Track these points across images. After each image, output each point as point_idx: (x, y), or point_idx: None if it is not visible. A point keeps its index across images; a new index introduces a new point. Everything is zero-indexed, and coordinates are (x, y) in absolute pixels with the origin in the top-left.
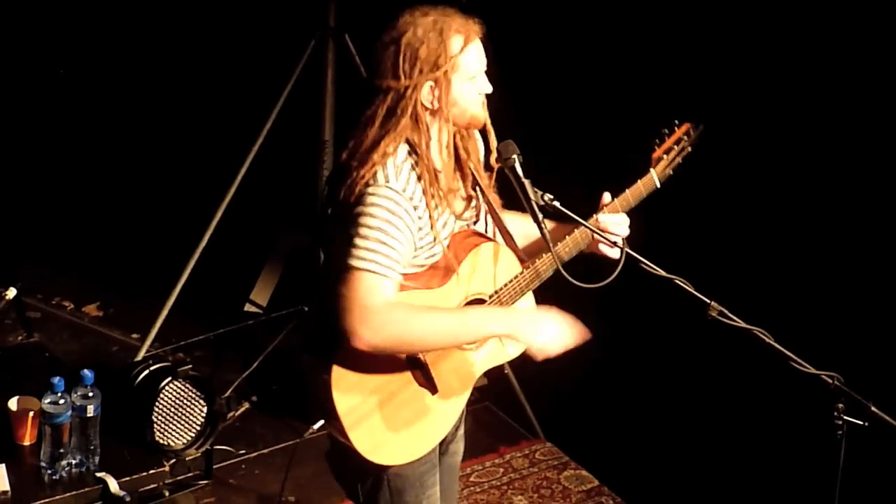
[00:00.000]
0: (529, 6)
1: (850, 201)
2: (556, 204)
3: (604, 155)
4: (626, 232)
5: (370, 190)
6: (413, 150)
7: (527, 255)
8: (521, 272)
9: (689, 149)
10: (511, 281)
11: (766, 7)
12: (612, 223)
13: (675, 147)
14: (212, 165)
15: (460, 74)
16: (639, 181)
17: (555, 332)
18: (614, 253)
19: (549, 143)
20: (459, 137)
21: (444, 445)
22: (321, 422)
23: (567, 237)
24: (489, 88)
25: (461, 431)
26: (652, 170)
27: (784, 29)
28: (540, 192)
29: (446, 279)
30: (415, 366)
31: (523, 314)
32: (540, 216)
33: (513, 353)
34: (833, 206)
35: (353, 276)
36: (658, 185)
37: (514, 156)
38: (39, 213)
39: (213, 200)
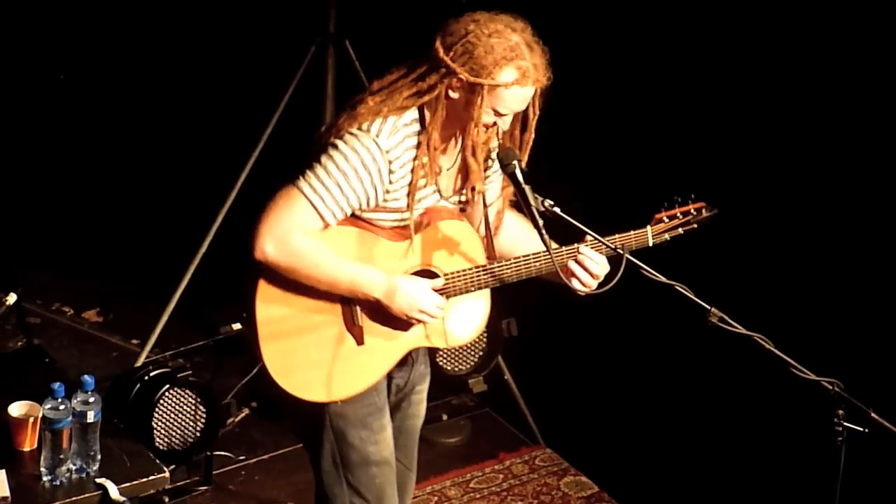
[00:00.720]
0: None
1: (850, 207)
2: (557, 210)
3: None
4: (600, 273)
5: (359, 134)
6: (422, 119)
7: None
8: (483, 266)
9: (695, 226)
10: (469, 269)
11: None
12: (591, 257)
13: (680, 217)
14: (212, 171)
15: (489, 100)
16: (632, 232)
17: (415, 310)
18: (582, 289)
19: (564, 162)
20: (478, 133)
21: (394, 399)
22: (239, 325)
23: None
24: (505, 127)
25: (422, 395)
26: (648, 227)
27: (782, 35)
28: (540, 198)
29: (403, 238)
30: (346, 307)
31: (417, 289)
32: (540, 222)
33: (452, 342)
34: (832, 213)
35: (294, 198)
36: (650, 244)
37: (514, 161)
38: (39, 219)
39: (213, 206)
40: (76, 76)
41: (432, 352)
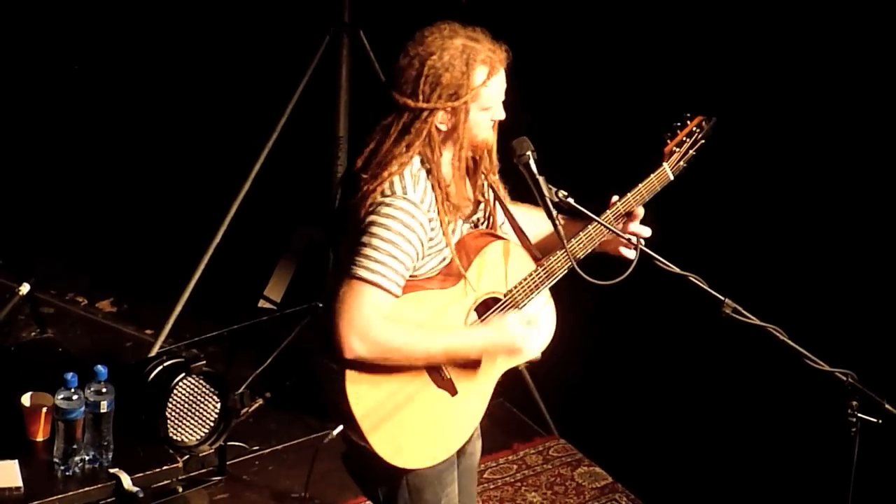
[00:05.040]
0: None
1: (866, 198)
2: (571, 201)
3: (614, 151)
4: (645, 231)
5: (388, 200)
6: (425, 163)
7: (540, 252)
8: (535, 270)
9: (703, 141)
10: (525, 279)
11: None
12: (634, 223)
13: (688, 140)
14: (226, 161)
15: (478, 104)
16: (651, 175)
17: (536, 337)
18: (630, 253)
19: (558, 140)
20: (488, 139)
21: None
22: (340, 427)
23: (581, 233)
24: (502, 116)
25: (478, 431)
26: (665, 163)
27: (796, 23)
28: (554, 189)
29: (457, 280)
30: (432, 368)
31: (506, 330)
32: (554, 213)
33: (534, 352)
34: (848, 203)
35: (357, 287)
36: (671, 178)
37: (529, 152)
38: (53, 209)
39: (227, 196)
40: (90, 69)
41: None
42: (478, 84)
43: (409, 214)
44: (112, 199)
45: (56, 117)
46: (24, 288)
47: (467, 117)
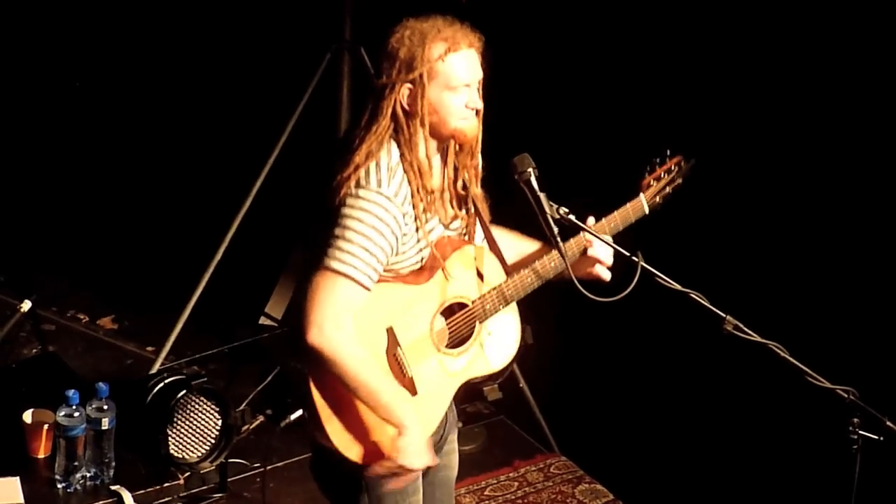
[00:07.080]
0: (534, 15)
1: (866, 215)
2: (572, 217)
3: (596, 173)
4: (609, 261)
5: (361, 193)
6: (402, 152)
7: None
8: (506, 281)
9: (680, 181)
10: (495, 289)
11: (766, 22)
12: (599, 247)
13: (665, 176)
14: (228, 178)
15: (438, 82)
16: (627, 204)
17: (416, 459)
18: (606, 275)
19: (545, 155)
20: (456, 150)
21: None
22: (299, 412)
23: (552, 252)
24: (478, 104)
25: (453, 445)
26: (641, 194)
27: (787, 38)
28: (555, 206)
29: (429, 277)
30: (394, 365)
31: (417, 435)
32: (555, 230)
33: (496, 365)
34: (849, 220)
35: (331, 278)
36: (647, 211)
37: (530, 169)
38: (54, 226)
39: (228, 213)
40: (91, 85)
41: None
42: (433, 58)
43: (383, 208)
44: (114, 215)
45: (57, 135)
46: (26, 305)
47: (424, 93)
